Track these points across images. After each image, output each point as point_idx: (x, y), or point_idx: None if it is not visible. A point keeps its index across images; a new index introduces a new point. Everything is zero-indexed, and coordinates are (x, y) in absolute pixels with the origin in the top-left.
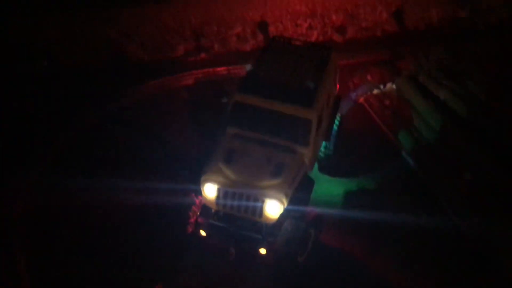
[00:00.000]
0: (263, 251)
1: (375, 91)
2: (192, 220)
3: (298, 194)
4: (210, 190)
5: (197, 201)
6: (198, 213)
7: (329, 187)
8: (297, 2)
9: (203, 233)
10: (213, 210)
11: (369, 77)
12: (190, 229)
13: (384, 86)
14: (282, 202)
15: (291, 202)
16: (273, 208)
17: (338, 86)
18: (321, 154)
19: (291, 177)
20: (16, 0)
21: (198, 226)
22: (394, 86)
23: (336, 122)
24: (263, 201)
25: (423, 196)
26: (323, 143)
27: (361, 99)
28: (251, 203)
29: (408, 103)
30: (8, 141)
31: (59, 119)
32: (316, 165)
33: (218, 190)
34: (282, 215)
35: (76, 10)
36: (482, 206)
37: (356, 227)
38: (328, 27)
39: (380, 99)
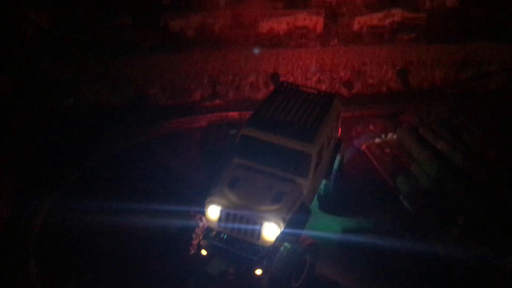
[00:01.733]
0: (258, 272)
1: (377, 140)
2: (195, 242)
3: (295, 221)
4: (213, 212)
5: (201, 223)
6: (201, 236)
7: (328, 224)
8: (308, 57)
9: (204, 252)
10: (214, 232)
11: (371, 127)
12: (192, 251)
13: (386, 135)
14: (279, 225)
15: (288, 227)
16: (271, 231)
17: (340, 130)
18: (321, 192)
19: (290, 204)
20: (50, 42)
21: (200, 247)
22: (394, 136)
23: (337, 162)
24: (261, 224)
25: (416, 236)
26: (323, 181)
27: (363, 147)
28: (250, 225)
29: (407, 152)
30: (33, 166)
31: (81, 149)
32: (317, 203)
33: (221, 211)
34: (278, 239)
35: (103, 54)
36: (472, 245)
37: (353, 260)
38: (336, 81)
39: (381, 147)
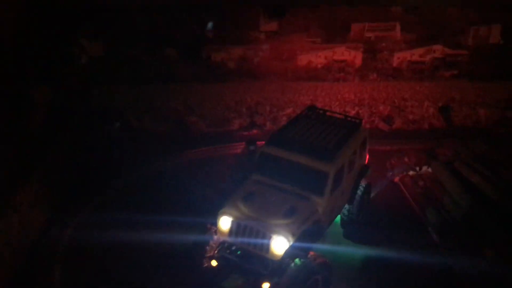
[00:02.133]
0: (266, 286)
1: (411, 172)
2: (209, 254)
3: (307, 237)
4: (225, 223)
5: (215, 236)
6: (216, 248)
7: (351, 252)
8: (346, 90)
9: (214, 263)
10: (226, 244)
11: (406, 160)
12: (206, 264)
13: (420, 168)
14: (287, 239)
15: (298, 242)
16: (279, 244)
17: (368, 157)
18: (344, 217)
19: (301, 220)
20: (101, 71)
21: (210, 258)
22: (429, 169)
23: (361, 189)
24: (270, 237)
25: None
26: (346, 207)
27: (397, 179)
28: (259, 238)
29: (440, 184)
30: (72, 182)
31: (119, 169)
32: (341, 231)
33: (232, 223)
34: (289, 254)
35: (149, 83)
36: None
37: (370, 280)
38: (375, 116)
39: (414, 179)
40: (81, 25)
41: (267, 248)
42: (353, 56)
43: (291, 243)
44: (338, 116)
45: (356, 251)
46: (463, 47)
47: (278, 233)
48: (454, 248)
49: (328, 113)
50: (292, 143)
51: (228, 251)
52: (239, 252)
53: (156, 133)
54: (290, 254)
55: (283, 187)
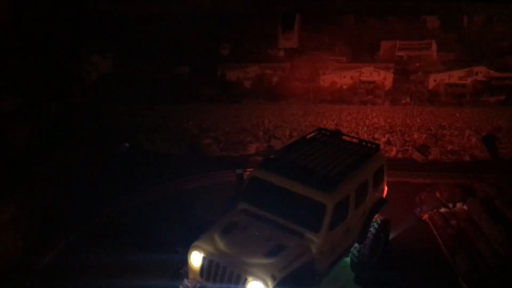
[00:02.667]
0: None
1: (442, 209)
2: None
3: (295, 282)
4: (196, 259)
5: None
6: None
7: None
8: (375, 115)
9: None
10: (195, 284)
11: (437, 195)
12: None
13: (454, 205)
14: (266, 284)
15: (281, 286)
16: None
17: (386, 188)
18: (354, 259)
19: (287, 261)
20: (111, 88)
21: None
22: (465, 207)
23: (375, 225)
24: (245, 280)
25: None
26: (356, 246)
27: (426, 216)
28: (233, 280)
29: (476, 226)
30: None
31: (118, 192)
32: (352, 276)
33: (204, 259)
34: None
35: (161, 103)
36: None
37: None
38: (409, 145)
39: (446, 218)
40: (91, 39)
41: None
42: (382, 77)
43: None
44: (352, 140)
45: None
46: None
47: (254, 275)
48: None
49: (341, 137)
50: (287, 168)
51: None
52: None
53: (167, 155)
54: None
55: (272, 219)
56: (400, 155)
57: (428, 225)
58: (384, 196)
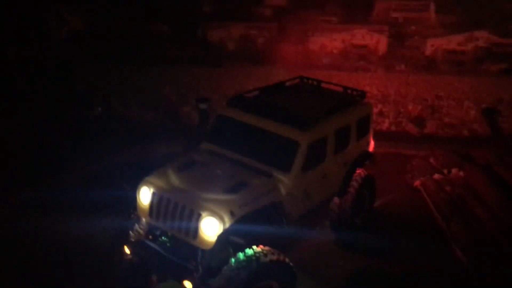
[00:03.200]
0: (188, 284)
1: (436, 176)
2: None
3: (257, 222)
4: (145, 196)
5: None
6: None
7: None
8: (367, 83)
9: (127, 250)
10: (149, 227)
11: (431, 161)
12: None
13: (449, 171)
14: (221, 220)
15: (241, 226)
16: (210, 227)
17: (372, 142)
18: (334, 215)
19: (250, 198)
20: (83, 46)
21: (124, 244)
22: (461, 173)
23: (358, 179)
24: (199, 216)
25: None
26: (335, 200)
27: (417, 183)
28: (185, 217)
29: (474, 191)
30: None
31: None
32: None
33: (153, 195)
34: (224, 241)
35: (137, 64)
36: None
37: None
38: (403, 116)
39: (440, 184)
40: None
41: (194, 232)
42: (376, 40)
43: (228, 225)
44: (336, 88)
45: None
46: None
47: (209, 210)
48: (486, 271)
49: (324, 85)
50: (258, 105)
51: (150, 236)
52: (163, 238)
53: (142, 122)
54: (228, 243)
55: (239, 159)
56: (393, 128)
57: (420, 192)
58: (370, 150)
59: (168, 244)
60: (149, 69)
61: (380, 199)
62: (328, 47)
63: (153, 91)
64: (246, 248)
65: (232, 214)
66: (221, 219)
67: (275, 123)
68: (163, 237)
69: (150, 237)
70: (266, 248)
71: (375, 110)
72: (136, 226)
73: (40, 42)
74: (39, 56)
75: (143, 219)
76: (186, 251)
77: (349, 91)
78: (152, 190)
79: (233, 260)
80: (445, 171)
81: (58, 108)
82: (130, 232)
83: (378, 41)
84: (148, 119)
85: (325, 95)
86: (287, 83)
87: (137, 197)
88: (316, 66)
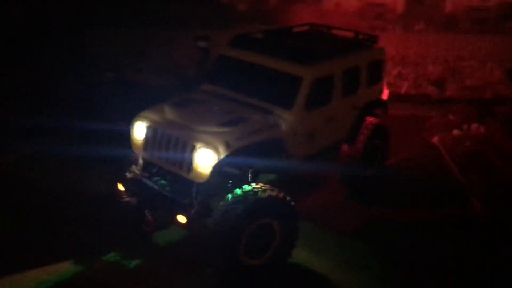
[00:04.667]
0: (181, 219)
1: (455, 132)
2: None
3: (255, 155)
4: (139, 130)
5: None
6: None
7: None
8: (385, 43)
9: (120, 187)
10: (141, 161)
11: (450, 117)
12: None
13: (469, 127)
14: (216, 151)
15: (238, 158)
16: (204, 158)
17: (387, 91)
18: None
19: (247, 131)
20: (93, 12)
21: (117, 180)
22: (481, 128)
23: (370, 126)
24: (193, 148)
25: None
26: (345, 148)
27: (435, 139)
28: (179, 150)
29: (494, 145)
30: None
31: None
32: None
33: (148, 130)
34: (219, 174)
35: (148, 28)
36: None
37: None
38: (423, 79)
39: (459, 140)
40: None
41: (188, 164)
42: None
43: (223, 157)
44: (349, 34)
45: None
46: None
47: (203, 141)
48: (503, 220)
49: (334, 31)
50: (260, 43)
51: (143, 173)
52: (159, 176)
53: (154, 87)
54: (224, 175)
55: (240, 98)
56: (412, 91)
57: (438, 149)
58: (384, 99)
59: (163, 181)
60: (159, 33)
61: (396, 157)
62: (344, 6)
63: (164, 55)
64: (244, 184)
65: (227, 145)
66: (216, 150)
67: (278, 60)
68: (159, 174)
69: (146, 175)
70: (266, 185)
71: (394, 72)
72: (134, 165)
73: (46, 2)
74: (46, 16)
75: (139, 158)
76: (182, 188)
77: (360, 35)
78: (146, 124)
79: (229, 195)
80: (465, 126)
81: (66, 71)
82: (126, 173)
83: None
84: (160, 84)
85: (335, 40)
86: (296, 29)
87: (132, 132)
88: (332, 26)
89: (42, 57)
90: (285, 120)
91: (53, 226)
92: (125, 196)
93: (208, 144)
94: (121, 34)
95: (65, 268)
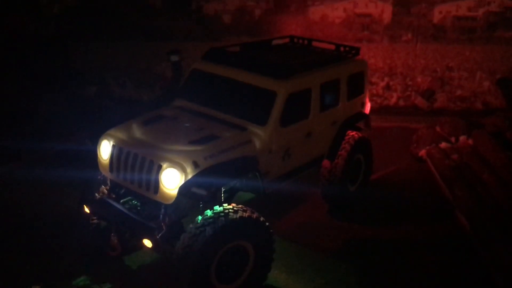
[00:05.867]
0: (147, 242)
1: (443, 144)
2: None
3: (225, 174)
4: (105, 149)
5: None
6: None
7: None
8: (372, 54)
9: (86, 209)
10: (109, 184)
11: (437, 129)
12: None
13: (456, 140)
14: (183, 171)
15: (206, 178)
16: (170, 179)
17: (369, 104)
18: (324, 181)
19: (218, 149)
20: (76, 23)
21: (82, 201)
22: (470, 141)
23: (351, 142)
24: (159, 167)
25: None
26: (325, 164)
27: (423, 152)
28: (145, 170)
29: (482, 158)
30: None
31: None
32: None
33: (113, 148)
34: (188, 195)
35: (131, 40)
36: None
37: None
38: (412, 90)
39: (446, 152)
40: None
41: (155, 185)
42: (380, 9)
43: (190, 177)
44: (331, 47)
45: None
46: None
47: (169, 161)
48: (490, 239)
49: (315, 43)
50: (234, 58)
51: (113, 195)
52: (127, 198)
53: (138, 101)
54: (194, 196)
55: (213, 114)
56: (401, 102)
57: (426, 162)
58: (366, 112)
59: (131, 203)
60: (143, 46)
61: (381, 171)
62: (330, 17)
63: (149, 68)
64: (216, 205)
65: (195, 164)
66: (183, 169)
67: (252, 74)
68: (126, 196)
69: (113, 196)
70: (239, 206)
71: (382, 83)
72: (102, 186)
73: (30, 16)
74: (29, 29)
75: (108, 179)
76: (149, 211)
77: (341, 48)
78: (112, 143)
79: (199, 217)
80: (453, 139)
81: (49, 84)
82: (95, 193)
83: (383, 9)
84: (145, 98)
85: (314, 52)
86: (276, 42)
87: (98, 152)
88: (317, 37)
89: (25, 69)
90: (259, 136)
91: (23, 249)
92: (94, 218)
93: (174, 164)
94: (105, 47)
95: None
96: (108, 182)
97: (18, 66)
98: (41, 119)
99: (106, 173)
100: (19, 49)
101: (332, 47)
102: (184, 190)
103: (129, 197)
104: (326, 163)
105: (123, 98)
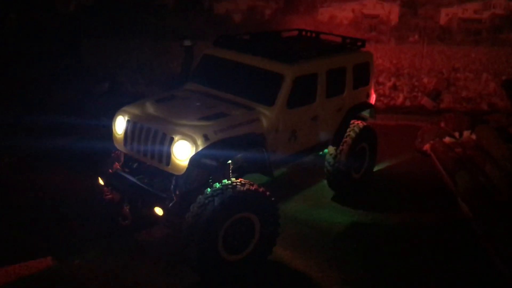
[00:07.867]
0: (158, 210)
1: (447, 139)
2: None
3: (234, 149)
4: (120, 125)
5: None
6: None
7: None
8: (379, 55)
9: (101, 181)
10: (123, 158)
11: (442, 124)
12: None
13: (460, 134)
14: (194, 143)
15: (216, 150)
16: (182, 150)
17: (374, 95)
18: (328, 166)
19: (227, 125)
20: (91, 21)
21: (97, 174)
22: (473, 136)
23: (356, 129)
24: (171, 140)
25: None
26: (330, 149)
27: (427, 146)
28: (157, 143)
29: (484, 151)
30: None
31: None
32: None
33: (128, 123)
34: (198, 166)
35: (144, 39)
36: None
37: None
38: (418, 90)
39: (450, 146)
40: None
41: (167, 157)
42: (387, 10)
43: (201, 149)
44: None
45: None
46: None
47: (181, 134)
48: (491, 226)
49: (322, 36)
50: (244, 43)
51: (126, 169)
52: (140, 170)
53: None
54: (204, 169)
55: (223, 96)
56: (408, 102)
57: (430, 156)
58: (371, 102)
59: (143, 175)
60: (155, 44)
61: (386, 163)
62: (338, 18)
63: (161, 66)
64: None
65: (206, 138)
66: (194, 142)
67: (260, 59)
68: (139, 169)
69: (127, 170)
70: (246, 180)
71: (389, 84)
72: (115, 160)
73: (45, 13)
74: (44, 26)
75: (121, 152)
76: (161, 182)
77: (347, 40)
78: (126, 118)
79: (209, 189)
80: (457, 134)
81: (62, 79)
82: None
83: (390, 11)
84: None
85: (321, 42)
86: (284, 34)
87: (113, 126)
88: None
89: (38, 64)
90: (267, 116)
91: (36, 223)
92: (108, 193)
93: (186, 136)
94: (118, 44)
95: (46, 264)
96: (122, 158)
97: (35, 60)
98: (56, 104)
99: (120, 147)
100: (35, 44)
101: (339, 40)
102: (194, 161)
103: (141, 175)
104: (331, 149)
105: (135, 95)
